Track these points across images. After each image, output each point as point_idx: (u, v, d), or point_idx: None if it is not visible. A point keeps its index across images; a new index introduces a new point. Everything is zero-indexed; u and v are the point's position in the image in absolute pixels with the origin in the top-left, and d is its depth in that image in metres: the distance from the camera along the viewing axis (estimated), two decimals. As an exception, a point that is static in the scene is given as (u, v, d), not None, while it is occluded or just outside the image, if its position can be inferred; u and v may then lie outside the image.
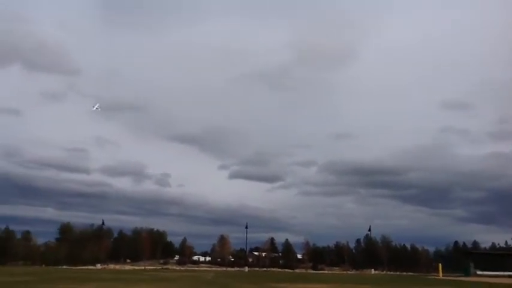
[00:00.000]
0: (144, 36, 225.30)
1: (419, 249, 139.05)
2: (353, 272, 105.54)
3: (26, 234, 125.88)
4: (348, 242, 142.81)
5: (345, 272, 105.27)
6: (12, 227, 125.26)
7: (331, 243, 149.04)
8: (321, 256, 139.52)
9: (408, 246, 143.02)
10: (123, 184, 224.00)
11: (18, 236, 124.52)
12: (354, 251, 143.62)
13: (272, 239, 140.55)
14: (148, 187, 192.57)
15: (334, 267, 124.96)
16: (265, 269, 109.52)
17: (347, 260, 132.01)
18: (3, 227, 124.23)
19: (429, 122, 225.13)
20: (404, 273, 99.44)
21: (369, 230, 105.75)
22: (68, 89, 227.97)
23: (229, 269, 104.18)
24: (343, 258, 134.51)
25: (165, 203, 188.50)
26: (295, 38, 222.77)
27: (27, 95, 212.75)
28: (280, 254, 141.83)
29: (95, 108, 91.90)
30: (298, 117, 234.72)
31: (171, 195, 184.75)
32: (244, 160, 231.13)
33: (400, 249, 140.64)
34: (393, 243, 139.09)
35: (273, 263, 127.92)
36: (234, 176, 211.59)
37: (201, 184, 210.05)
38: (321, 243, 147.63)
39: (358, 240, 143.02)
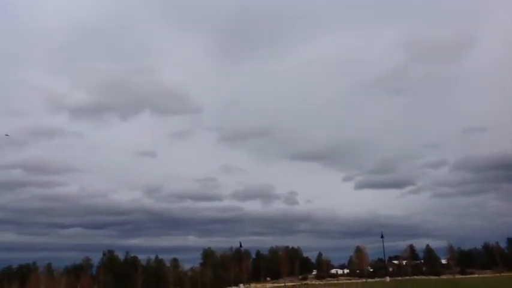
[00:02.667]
0: (261, 62, 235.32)
1: None
2: (509, 274, 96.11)
3: (174, 262, 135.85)
4: (498, 242, 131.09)
5: (498, 274, 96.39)
6: (160, 256, 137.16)
7: (478, 245, 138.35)
8: (468, 259, 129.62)
9: None
10: (254, 206, 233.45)
11: (167, 263, 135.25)
12: (506, 251, 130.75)
13: (411, 246, 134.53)
14: (277, 206, 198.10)
15: (486, 271, 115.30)
16: (407, 277, 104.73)
17: (500, 262, 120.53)
18: (153, 257, 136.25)
19: None
20: None
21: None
22: (193, 126, 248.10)
23: (369, 280, 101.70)
24: (495, 259, 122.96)
25: (296, 220, 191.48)
26: (407, 37, 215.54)
27: (159, 137, 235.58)
28: (422, 260, 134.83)
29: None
30: (420, 117, 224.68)
31: (300, 212, 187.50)
32: (368, 169, 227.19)
33: None
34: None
35: (415, 270, 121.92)
36: (359, 186, 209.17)
37: (328, 198, 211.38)
38: (466, 246, 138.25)
39: (510, 239, 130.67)
